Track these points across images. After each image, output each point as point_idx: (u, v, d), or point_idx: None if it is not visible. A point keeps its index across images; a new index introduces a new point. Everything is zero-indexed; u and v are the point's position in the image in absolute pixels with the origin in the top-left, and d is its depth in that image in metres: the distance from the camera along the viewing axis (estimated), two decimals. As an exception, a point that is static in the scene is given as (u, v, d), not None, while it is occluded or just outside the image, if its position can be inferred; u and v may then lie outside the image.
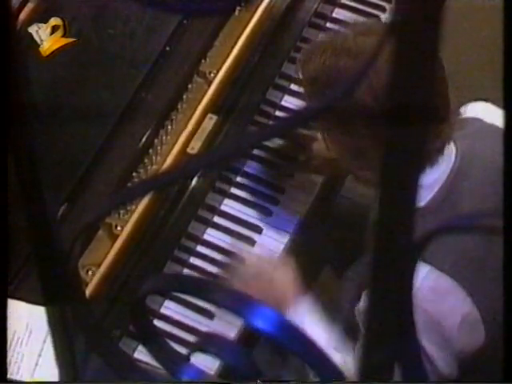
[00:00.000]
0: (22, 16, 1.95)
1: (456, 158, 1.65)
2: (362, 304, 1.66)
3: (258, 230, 1.94)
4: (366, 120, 1.51)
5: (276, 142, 2.00)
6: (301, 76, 1.67)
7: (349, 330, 1.76)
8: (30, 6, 1.97)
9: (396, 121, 0.54)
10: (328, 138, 1.68)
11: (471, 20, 2.99)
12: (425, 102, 0.53)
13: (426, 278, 1.57)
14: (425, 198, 1.61)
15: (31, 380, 1.57)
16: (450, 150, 1.65)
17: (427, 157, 1.58)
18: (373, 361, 0.66)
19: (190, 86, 1.94)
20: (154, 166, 1.86)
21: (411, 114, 0.54)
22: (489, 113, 1.79)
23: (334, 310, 1.82)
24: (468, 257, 1.60)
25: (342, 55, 1.55)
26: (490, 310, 1.59)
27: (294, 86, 2.08)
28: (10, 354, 1.56)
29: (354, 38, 1.56)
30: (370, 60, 0.58)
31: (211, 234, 1.93)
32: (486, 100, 1.83)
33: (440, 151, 1.61)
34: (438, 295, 1.59)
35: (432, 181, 1.61)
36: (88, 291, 1.70)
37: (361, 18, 2.13)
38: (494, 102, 1.81)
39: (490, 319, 1.60)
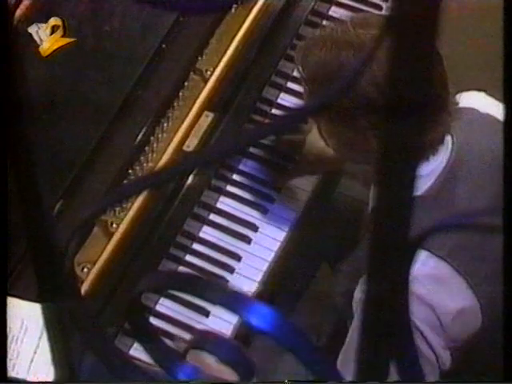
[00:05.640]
0: (18, 13, 1.94)
1: (452, 147, 1.65)
2: (357, 296, 1.64)
3: (254, 228, 1.94)
4: (367, 112, 1.50)
5: (271, 140, 2.00)
6: (301, 72, 1.64)
7: (342, 325, 1.75)
8: (25, 4, 1.96)
9: (395, 113, 0.54)
10: (325, 129, 1.67)
11: (471, 20, 3.00)
12: (423, 94, 0.53)
13: (424, 264, 1.56)
14: (422, 187, 1.61)
15: (28, 378, 1.57)
16: (447, 140, 1.65)
17: (428, 146, 1.59)
18: (368, 360, 0.66)
19: (186, 83, 1.94)
20: (150, 164, 1.86)
21: (410, 107, 0.54)
22: (483, 102, 1.78)
23: (330, 306, 1.82)
24: (467, 244, 1.59)
25: (344, 48, 1.53)
26: (488, 299, 1.58)
27: (290, 84, 2.08)
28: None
29: (355, 30, 1.55)
30: (370, 54, 0.58)
31: (207, 232, 1.93)
32: (480, 90, 1.83)
33: (441, 140, 1.62)
34: (435, 282, 1.58)
35: (430, 171, 1.61)
36: (83, 289, 1.70)
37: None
38: (490, 94, 1.81)
39: (488, 309, 1.59)
